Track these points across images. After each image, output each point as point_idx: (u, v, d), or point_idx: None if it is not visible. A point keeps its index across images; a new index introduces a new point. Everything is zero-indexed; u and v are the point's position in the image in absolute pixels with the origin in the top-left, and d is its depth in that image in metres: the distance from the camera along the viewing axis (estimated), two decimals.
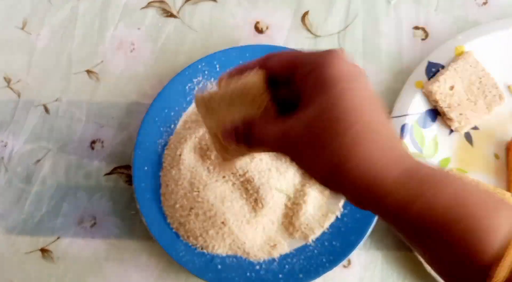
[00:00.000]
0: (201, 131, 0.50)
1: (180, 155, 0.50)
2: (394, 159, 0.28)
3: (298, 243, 0.49)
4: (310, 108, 0.29)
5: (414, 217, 0.26)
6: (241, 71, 0.33)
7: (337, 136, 0.27)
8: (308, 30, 0.56)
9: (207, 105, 0.34)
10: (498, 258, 0.24)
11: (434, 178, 0.27)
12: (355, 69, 0.30)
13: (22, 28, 0.57)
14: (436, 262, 0.28)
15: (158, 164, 0.51)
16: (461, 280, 0.26)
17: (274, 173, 0.49)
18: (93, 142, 0.54)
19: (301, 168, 0.30)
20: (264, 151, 0.35)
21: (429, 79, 0.52)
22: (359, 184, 0.27)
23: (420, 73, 0.52)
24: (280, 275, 0.48)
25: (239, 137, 0.32)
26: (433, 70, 0.53)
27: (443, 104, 0.51)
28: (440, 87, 0.51)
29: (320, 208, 0.50)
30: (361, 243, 0.48)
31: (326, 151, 0.28)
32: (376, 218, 0.48)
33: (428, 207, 0.26)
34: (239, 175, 0.49)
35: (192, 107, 0.52)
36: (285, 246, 0.49)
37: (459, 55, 0.52)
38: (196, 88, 0.52)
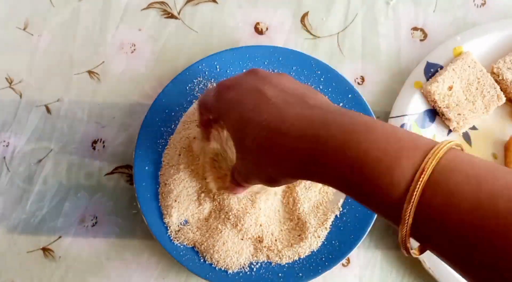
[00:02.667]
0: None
1: (179, 155, 0.50)
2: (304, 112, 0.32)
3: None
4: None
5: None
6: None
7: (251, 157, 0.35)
8: (308, 31, 0.57)
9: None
10: (403, 199, 0.26)
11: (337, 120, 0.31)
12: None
13: (24, 29, 0.57)
14: (364, 201, 0.30)
15: (159, 164, 0.51)
16: (386, 212, 0.28)
17: None
18: (95, 142, 0.54)
19: (271, 179, 0.36)
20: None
21: (427, 79, 0.53)
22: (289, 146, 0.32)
23: (418, 73, 0.53)
24: (280, 274, 0.48)
25: (232, 181, 0.43)
26: (431, 71, 0.53)
27: (441, 105, 0.51)
28: (439, 87, 0.51)
29: (320, 208, 0.50)
30: (360, 242, 0.48)
31: (258, 173, 0.36)
32: (375, 217, 0.49)
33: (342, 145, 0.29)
34: None
35: (193, 107, 0.52)
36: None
37: (457, 55, 0.53)
38: (197, 88, 0.53)
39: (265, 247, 0.49)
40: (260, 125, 0.33)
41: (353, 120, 0.30)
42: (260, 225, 0.49)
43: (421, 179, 0.26)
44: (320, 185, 0.50)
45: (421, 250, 0.29)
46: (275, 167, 0.33)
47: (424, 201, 0.26)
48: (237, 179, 0.41)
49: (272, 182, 0.36)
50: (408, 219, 0.26)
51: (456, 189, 0.25)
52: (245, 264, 0.49)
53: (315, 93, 0.35)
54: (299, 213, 0.50)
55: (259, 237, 0.49)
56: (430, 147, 0.27)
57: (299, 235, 0.49)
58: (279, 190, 0.50)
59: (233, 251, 0.49)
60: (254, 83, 0.36)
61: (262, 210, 0.49)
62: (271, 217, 0.50)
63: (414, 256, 0.28)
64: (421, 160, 0.26)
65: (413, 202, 0.26)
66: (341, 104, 0.52)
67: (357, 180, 0.28)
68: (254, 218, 0.49)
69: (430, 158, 0.26)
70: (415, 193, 0.26)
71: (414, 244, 0.28)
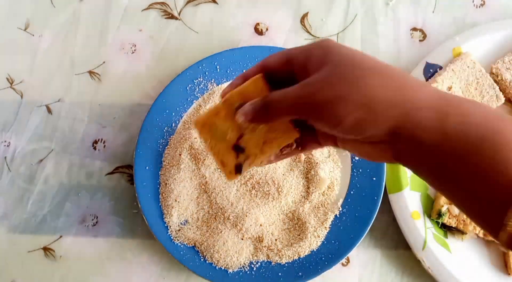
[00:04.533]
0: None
1: (180, 155, 0.50)
2: (421, 88, 0.28)
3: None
4: (322, 70, 0.29)
5: (449, 134, 0.26)
6: (242, 78, 0.34)
7: (359, 79, 0.28)
8: (308, 31, 0.57)
9: (208, 123, 0.36)
10: None
11: (461, 101, 0.27)
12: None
13: (25, 30, 0.57)
14: (462, 194, 0.27)
15: (159, 164, 0.51)
16: (486, 207, 0.26)
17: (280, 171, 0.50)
18: (95, 142, 0.55)
19: (324, 124, 0.30)
20: (281, 129, 0.34)
21: (427, 80, 0.53)
22: (394, 113, 0.27)
23: (418, 74, 0.53)
24: (280, 273, 0.48)
25: (258, 113, 0.32)
26: (431, 71, 0.53)
27: None
28: (438, 87, 0.51)
29: (320, 208, 0.50)
30: (360, 241, 0.49)
31: (352, 96, 0.28)
32: (374, 217, 0.49)
33: (461, 121, 0.26)
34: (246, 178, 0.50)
35: (193, 107, 0.53)
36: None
37: (456, 56, 0.53)
38: (197, 88, 0.53)
39: (265, 246, 0.49)
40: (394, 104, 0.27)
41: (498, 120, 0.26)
42: (260, 225, 0.49)
43: None
44: (324, 187, 0.50)
45: None
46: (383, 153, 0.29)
47: None
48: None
49: (365, 156, 0.31)
50: None
51: None
52: (245, 264, 0.49)
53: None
54: (299, 213, 0.50)
55: (259, 236, 0.49)
56: None
57: (299, 235, 0.50)
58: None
59: (233, 250, 0.49)
60: (369, 58, 0.29)
61: (261, 210, 0.49)
62: (271, 217, 0.50)
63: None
64: None
65: None
66: None
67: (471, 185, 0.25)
68: (254, 218, 0.49)
69: None
70: None
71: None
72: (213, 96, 0.52)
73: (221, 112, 0.36)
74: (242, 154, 0.39)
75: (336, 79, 0.28)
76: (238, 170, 0.39)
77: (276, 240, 0.49)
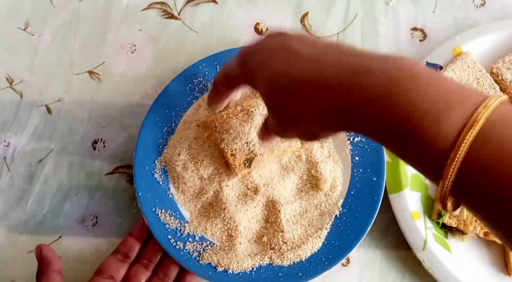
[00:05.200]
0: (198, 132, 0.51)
1: (179, 155, 0.50)
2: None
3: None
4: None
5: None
6: (225, 86, 0.42)
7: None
8: (308, 31, 0.57)
9: (226, 123, 0.48)
10: (453, 143, 0.25)
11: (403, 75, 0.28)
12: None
13: (25, 29, 0.57)
14: (404, 154, 0.28)
15: None
16: (426, 167, 0.27)
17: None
18: (95, 142, 0.54)
19: (302, 135, 0.36)
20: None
21: None
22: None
23: None
24: (280, 274, 0.48)
25: (265, 132, 0.43)
26: None
27: None
28: None
29: (320, 209, 0.50)
30: (360, 241, 0.49)
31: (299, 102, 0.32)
32: (375, 217, 0.49)
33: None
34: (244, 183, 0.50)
35: (192, 107, 0.52)
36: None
37: (457, 56, 0.53)
38: (197, 88, 0.53)
39: (271, 250, 0.49)
40: (295, 78, 0.31)
41: (398, 66, 0.28)
42: (261, 227, 0.49)
43: (470, 132, 0.24)
44: (326, 188, 0.50)
45: (455, 206, 0.27)
46: (315, 121, 0.32)
47: (470, 155, 0.24)
48: (273, 131, 0.39)
49: (311, 137, 0.35)
50: (451, 174, 0.25)
51: (506, 144, 0.24)
52: (247, 266, 0.49)
53: (349, 45, 0.32)
54: (302, 215, 0.50)
55: (258, 239, 0.49)
56: (481, 100, 0.25)
57: (303, 237, 0.49)
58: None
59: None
60: (280, 42, 0.34)
61: (262, 212, 0.49)
62: (276, 220, 0.50)
63: (449, 212, 0.27)
64: (471, 112, 0.25)
65: (459, 156, 0.24)
66: None
67: (400, 131, 0.27)
68: (254, 220, 0.49)
69: (480, 111, 0.25)
70: (462, 146, 0.24)
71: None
72: None
73: (238, 115, 0.48)
74: (252, 152, 0.47)
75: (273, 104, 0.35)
76: (248, 164, 0.47)
77: (282, 243, 0.49)
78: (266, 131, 0.42)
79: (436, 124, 0.25)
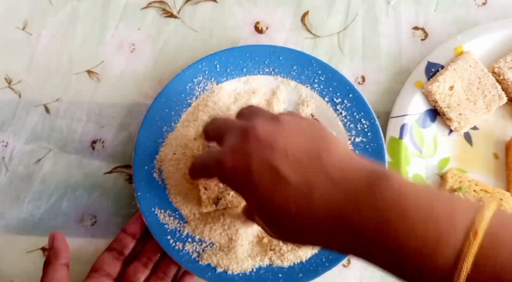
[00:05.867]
0: (197, 130, 0.51)
1: (174, 154, 0.50)
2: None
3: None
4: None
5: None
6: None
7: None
8: (308, 30, 0.57)
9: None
10: (456, 263, 0.26)
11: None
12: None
13: (23, 29, 0.57)
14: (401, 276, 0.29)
15: None
16: None
17: None
18: (94, 142, 0.54)
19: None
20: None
21: (428, 79, 0.53)
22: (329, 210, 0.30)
23: (419, 73, 0.53)
24: (280, 275, 0.48)
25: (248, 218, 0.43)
26: (432, 70, 0.53)
27: (442, 104, 0.51)
28: (440, 87, 0.51)
29: None
30: None
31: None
32: None
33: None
34: None
35: (192, 107, 0.52)
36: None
37: (458, 55, 0.53)
38: (197, 88, 0.52)
39: (271, 251, 0.49)
40: (291, 216, 0.31)
41: (385, 201, 0.28)
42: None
43: (465, 263, 0.25)
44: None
45: None
46: (309, 242, 0.33)
47: (472, 276, 0.25)
48: (262, 229, 0.38)
49: (305, 245, 0.36)
50: None
51: (504, 270, 0.25)
52: (247, 267, 0.48)
53: (328, 143, 0.33)
54: None
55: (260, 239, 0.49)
56: (468, 225, 0.26)
57: None
58: None
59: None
60: (262, 156, 0.32)
61: None
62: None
63: None
64: (462, 244, 0.26)
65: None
66: (342, 105, 0.51)
67: (399, 267, 0.28)
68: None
69: (469, 243, 0.26)
70: (462, 275, 0.25)
71: None
72: (213, 96, 0.52)
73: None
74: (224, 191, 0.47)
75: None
76: (216, 203, 0.47)
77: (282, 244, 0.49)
78: (249, 218, 0.42)
79: (431, 259, 0.26)
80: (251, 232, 0.49)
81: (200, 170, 0.40)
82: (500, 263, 0.25)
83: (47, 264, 0.44)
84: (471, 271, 0.25)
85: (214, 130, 0.40)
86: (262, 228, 0.37)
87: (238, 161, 0.33)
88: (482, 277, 0.25)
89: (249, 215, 0.42)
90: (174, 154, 0.50)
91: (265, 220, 0.34)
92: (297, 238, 0.33)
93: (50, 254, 0.44)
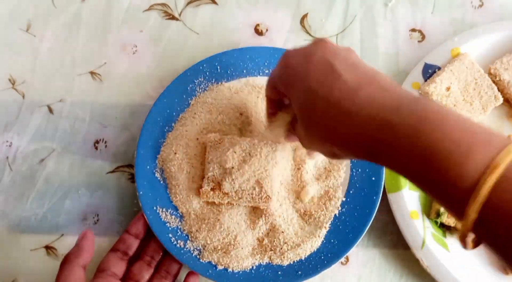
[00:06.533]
0: (196, 128, 0.52)
1: (175, 154, 0.51)
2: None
3: None
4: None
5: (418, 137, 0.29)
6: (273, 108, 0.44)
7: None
8: (307, 32, 0.57)
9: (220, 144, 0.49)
10: (474, 184, 0.26)
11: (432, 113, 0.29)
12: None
13: (27, 30, 0.58)
14: (428, 189, 0.29)
15: None
16: (450, 204, 0.28)
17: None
18: (97, 142, 0.55)
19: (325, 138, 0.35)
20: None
21: (425, 80, 0.53)
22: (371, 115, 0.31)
23: (417, 74, 0.53)
24: (279, 272, 0.49)
25: (290, 133, 0.45)
26: (429, 72, 0.53)
27: None
28: (437, 88, 0.52)
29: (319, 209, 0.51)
30: (359, 240, 0.49)
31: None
32: (373, 217, 0.49)
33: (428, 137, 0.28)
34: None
35: (191, 105, 0.53)
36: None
37: (455, 56, 0.53)
38: (198, 89, 0.53)
39: (271, 250, 0.49)
40: (330, 103, 0.32)
41: (427, 107, 0.29)
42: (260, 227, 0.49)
43: (491, 175, 0.25)
44: (306, 200, 0.51)
45: (476, 243, 0.28)
46: (341, 145, 0.33)
47: (492, 197, 0.25)
48: (299, 138, 0.40)
49: (333, 156, 0.36)
50: (472, 213, 0.26)
51: None
52: (247, 265, 0.49)
53: (385, 76, 0.34)
54: (305, 213, 0.50)
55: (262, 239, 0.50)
56: (505, 144, 0.26)
57: (304, 236, 0.50)
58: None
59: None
60: (324, 54, 0.35)
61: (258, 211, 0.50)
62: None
63: (469, 249, 0.28)
64: (495, 155, 0.26)
65: (481, 196, 0.25)
66: None
67: (425, 169, 0.28)
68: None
69: (504, 155, 0.26)
70: (484, 188, 0.25)
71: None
72: (212, 93, 0.53)
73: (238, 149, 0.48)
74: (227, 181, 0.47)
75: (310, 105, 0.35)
76: (218, 188, 0.48)
77: (283, 243, 0.49)
78: (291, 132, 0.43)
79: (460, 165, 0.27)
80: (251, 236, 0.49)
81: (269, 83, 0.42)
82: None
83: (66, 262, 0.43)
84: (490, 194, 0.25)
85: (279, 74, 0.39)
86: (299, 137, 0.39)
87: (302, 56, 0.36)
88: (500, 202, 0.25)
89: (291, 129, 0.43)
90: (175, 153, 0.50)
91: (307, 116, 0.35)
92: (329, 134, 0.33)
93: (72, 250, 0.44)
